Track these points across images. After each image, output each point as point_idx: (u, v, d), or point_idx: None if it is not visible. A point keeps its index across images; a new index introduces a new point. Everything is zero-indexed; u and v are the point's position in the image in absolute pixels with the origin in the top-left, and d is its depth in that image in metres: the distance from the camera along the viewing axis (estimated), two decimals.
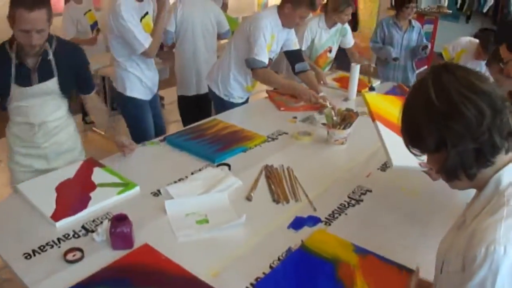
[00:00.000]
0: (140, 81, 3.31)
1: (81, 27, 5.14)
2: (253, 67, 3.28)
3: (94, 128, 5.23)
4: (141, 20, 3.11)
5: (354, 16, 5.83)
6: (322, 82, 3.90)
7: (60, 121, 2.43)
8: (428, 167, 1.76)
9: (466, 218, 1.15)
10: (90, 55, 5.00)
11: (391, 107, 2.34)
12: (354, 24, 6.32)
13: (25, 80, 2.21)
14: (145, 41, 3.06)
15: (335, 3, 3.94)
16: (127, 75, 3.28)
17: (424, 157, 1.19)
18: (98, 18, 5.43)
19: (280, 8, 3.28)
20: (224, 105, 3.54)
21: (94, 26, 5.31)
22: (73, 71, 2.36)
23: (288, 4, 3.19)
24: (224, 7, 5.84)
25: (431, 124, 1.06)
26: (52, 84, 2.28)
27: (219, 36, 4.47)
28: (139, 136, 3.13)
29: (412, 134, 1.13)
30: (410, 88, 1.15)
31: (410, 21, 4.70)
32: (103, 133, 5.10)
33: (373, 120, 2.28)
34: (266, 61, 3.27)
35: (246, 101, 3.78)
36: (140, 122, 3.39)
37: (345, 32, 4.32)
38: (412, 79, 4.66)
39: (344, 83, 3.81)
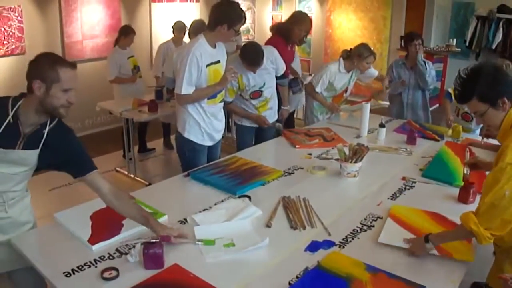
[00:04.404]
0: (198, 126, 3.39)
1: (124, 69, 5.67)
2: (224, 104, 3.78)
3: (117, 169, 5.46)
4: (210, 65, 3.24)
5: None
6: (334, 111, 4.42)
7: (18, 193, 2.14)
8: (409, 243, 2.06)
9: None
10: (128, 95, 5.44)
11: (414, 217, 2.38)
12: None
13: (9, 142, 1.96)
14: (185, 87, 3.17)
15: (359, 50, 4.21)
16: (188, 117, 3.38)
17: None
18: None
19: (240, 57, 3.77)
20: (238, 129, 4.25)
21: (136, 70, 5.84)
22: (60, 155, 2.07)
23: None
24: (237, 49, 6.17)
25: None
26: (32, 155, 2.02)
27: None
28: None
29: None
30: None
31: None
32: (126, 172, 5.34)
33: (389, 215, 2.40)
34: (229, 99, 3.91)
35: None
36: (192, 164, 3.30)
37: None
38: (425, 117, 4.67)
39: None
